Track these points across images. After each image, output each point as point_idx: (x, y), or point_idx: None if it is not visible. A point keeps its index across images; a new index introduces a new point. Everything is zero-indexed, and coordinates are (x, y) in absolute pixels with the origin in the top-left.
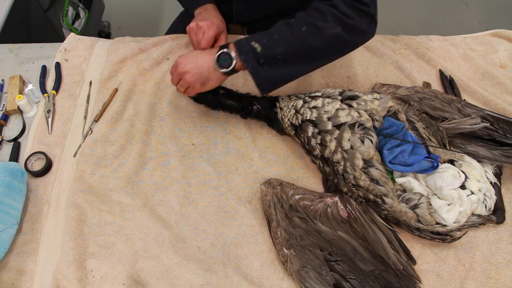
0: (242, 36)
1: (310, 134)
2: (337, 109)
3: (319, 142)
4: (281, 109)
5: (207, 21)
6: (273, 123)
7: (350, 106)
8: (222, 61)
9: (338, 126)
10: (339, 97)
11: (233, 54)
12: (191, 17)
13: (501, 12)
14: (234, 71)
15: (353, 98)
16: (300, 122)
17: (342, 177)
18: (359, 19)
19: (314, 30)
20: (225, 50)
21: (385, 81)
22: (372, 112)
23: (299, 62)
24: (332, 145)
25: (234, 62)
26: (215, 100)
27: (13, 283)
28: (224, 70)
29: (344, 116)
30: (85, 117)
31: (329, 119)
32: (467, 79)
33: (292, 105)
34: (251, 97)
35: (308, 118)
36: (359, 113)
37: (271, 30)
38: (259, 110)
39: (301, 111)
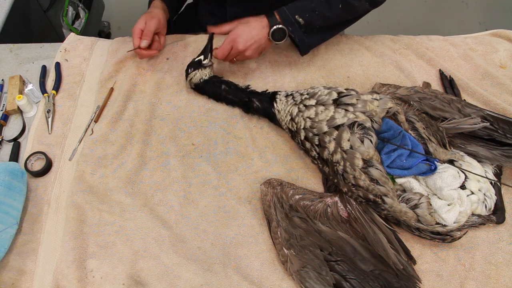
0: None
1: (303, 138)
2: (332, 115)
3: (316, 143)
4: (278, 112)
5: (143, 20)
6: (273, 119)
7: (346, 110)
8: (277, 36)
9: (337, 128)
10: (333, 106)
11: (284, 28)
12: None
13: (501, 12)
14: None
15: (349, 104)
16: (296, 129)
17: (342, 177)
18: None
19: (349, 8)
20: (279, 26)
21: (385, 81)
22: (371, 114)
23: (331, 30)
24: (331, 146)
25: (287, 37)
26: (220, 94)
27: (13, 283)
28: (278, 43)
29: (341, 118)
30: (90, 121)
31: (326, 123)
32: (467, 79)
33: (288, 111)
34: (250, 92)
35: (303, 127)
36: (355, 115)
37: (312, 4)
38: (259, 107)
39: (296, 120)
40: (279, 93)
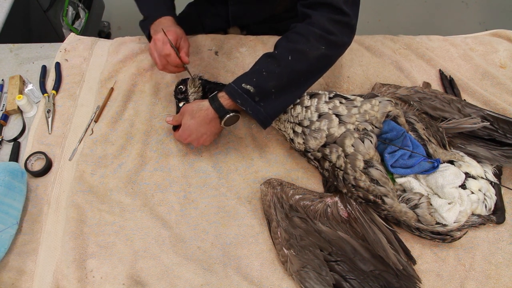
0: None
1: (306, 158)
2: (326, 134)
3: (318, 157)
4: (280, 129)
5: (161, 32)
6: None
7: (340, 122)
8: (231, 122)
9: (336, 139)
10: (325, 135)
11: (236, 113)
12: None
13: (501, 12)
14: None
15: (344, 121)
16: (295, 149)
17: (342, 178)
18: (340, 33)
19: (300, 56)
20: (231, 114)
21: (385, 81)
22: (371, 121)
23: (292, 89)
24: (334, 156)
25: (239, 117)
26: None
27: (13, 283)
28: (232, 125)
29: (337, 129)
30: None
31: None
32: (467, 79)
33: (285, 131)
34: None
35: (301, 149)
36: (354, 125)
37: (257, 67)
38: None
39: (294, 141)
40: None
